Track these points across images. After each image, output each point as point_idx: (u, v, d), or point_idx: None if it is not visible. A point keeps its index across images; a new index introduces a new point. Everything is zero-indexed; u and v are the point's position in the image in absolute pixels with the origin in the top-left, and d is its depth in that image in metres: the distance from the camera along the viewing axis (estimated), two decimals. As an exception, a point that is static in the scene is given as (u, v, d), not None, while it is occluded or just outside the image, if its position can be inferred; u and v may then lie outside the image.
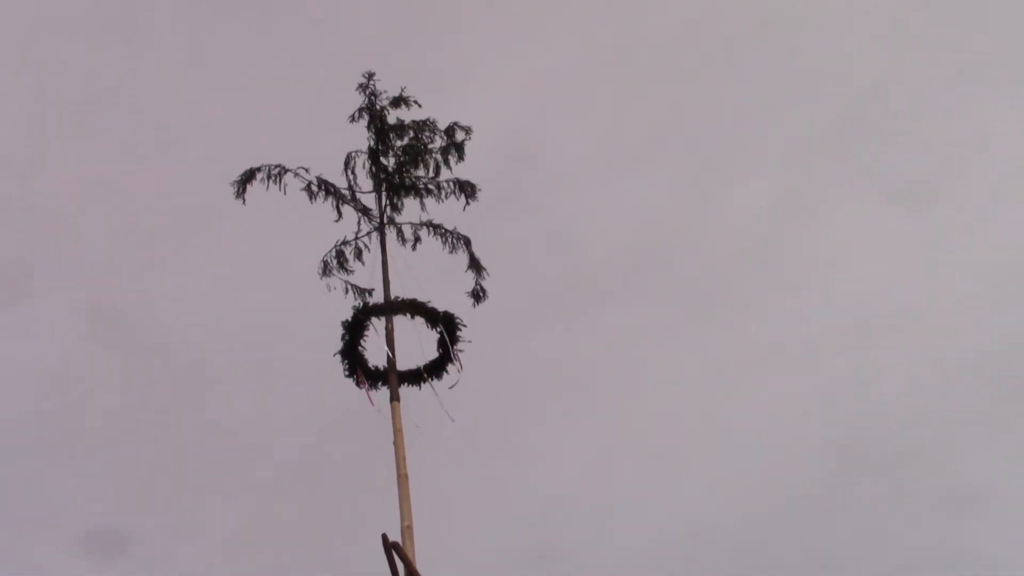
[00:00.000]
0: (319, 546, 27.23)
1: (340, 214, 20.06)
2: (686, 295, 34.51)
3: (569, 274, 31.06)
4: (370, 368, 19.16)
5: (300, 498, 28.80)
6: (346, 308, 19.52)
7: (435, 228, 20.10)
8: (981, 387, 31.87)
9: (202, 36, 39.90)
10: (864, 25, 39.98)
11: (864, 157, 37.49)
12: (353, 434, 21.99)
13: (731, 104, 39.34)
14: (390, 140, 20.45)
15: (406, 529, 16.90)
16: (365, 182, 20.39)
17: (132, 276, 34.25)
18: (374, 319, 19.23)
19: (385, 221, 20.14)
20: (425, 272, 19.76)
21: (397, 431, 18.02)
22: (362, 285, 19.80)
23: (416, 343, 19.22)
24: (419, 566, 16.31)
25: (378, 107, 20.58)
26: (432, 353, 19.31)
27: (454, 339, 19.27)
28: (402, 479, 17.41)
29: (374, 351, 19.25)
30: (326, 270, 19.84)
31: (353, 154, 20.37)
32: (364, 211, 20.19)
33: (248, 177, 19.77)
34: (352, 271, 19.87)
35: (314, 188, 19.91)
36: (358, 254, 19.96)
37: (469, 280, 20.02)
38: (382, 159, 20.46)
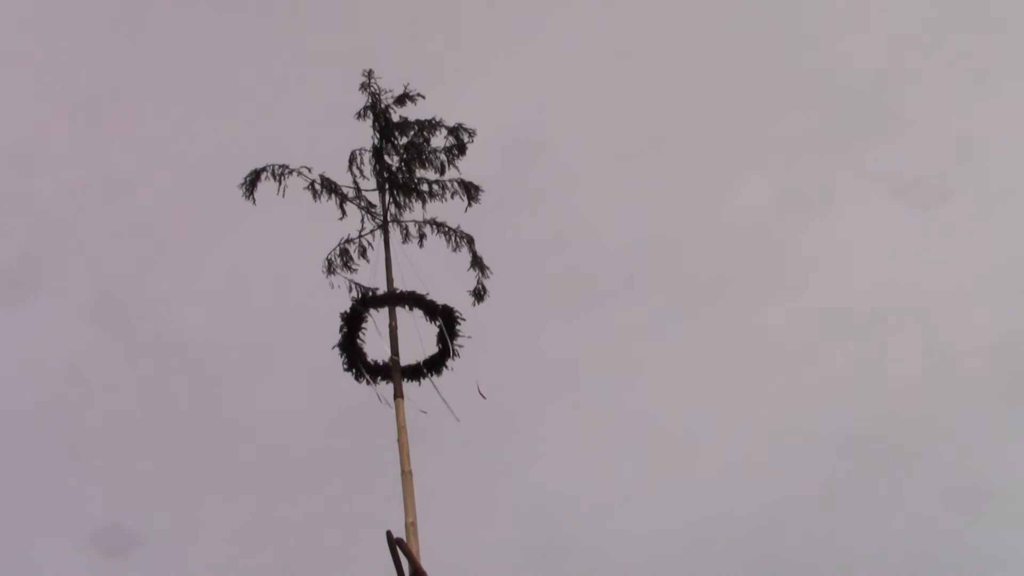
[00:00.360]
0: (323, 543, 27.28)
1: (344, 212, 20.12)
2: (690, 291, 34.56)
3: (573, 271, 31.06)
4: (369, 362, 19.14)
5: (304, 495, 28.87)
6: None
7: (439, 226, 20.13)
8: (988, 382, 31.86)
9: (205, 34, 39.98)
10: (869, 20, 39.96)
11: (868, 153, 37.49)
12: (357, 431, 22.05)
13: (735, 100, 39.37)
14: (394, 138, 20.48)
15: (410, 525, 16.89)
16: (369, 180, 20.42)
17: (138, 274, 34.34)
18: (373, 311, 19.19)
19: (389, 219, 20.16)
20: (429, 270, 19.82)
21: (401, 428, 18.00)
22: (365, 283, 19.77)
23: (416, 338, 19.24)
24: (423, 562, 16.32)
25: (382, 105, 20.61)
26: (432, 348, 19.32)
27: (453, 333, 19.26)
28: (406, 475, 17.41)
29: (373, 344, 19.28)
30: (330, 268, 19.86)
31: (357, 152, 20.40)
32: (368, 209, 20.23)
33: (255, 178, 19.83)
34: (356, 269, 19.91)
35: (317, 187, 19.94)
36: (362, 252, 19.98)
37: (472, 278, 20.06)
38: (386, 157, 20.49)
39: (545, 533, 27.62)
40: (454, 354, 19.25)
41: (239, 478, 30.35)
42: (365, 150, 20.48)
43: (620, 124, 38.24)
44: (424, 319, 19.37)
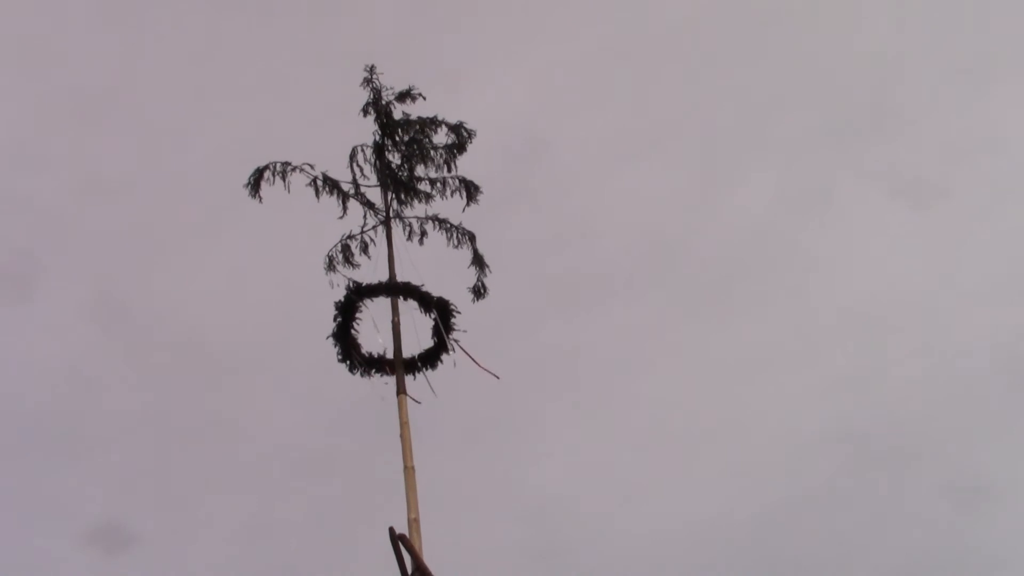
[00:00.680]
0: (325, 538, 27.27)
1: (345, 209, 20.09)
2: (692, 290, 34.59)
3: (575, 269, 31.12)
4: (364, 353, 19.05)
5: (306, 490, 28.85)
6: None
7: (440, 223, 20.10)
8: (988, 382, 31.88)
9: (205, 33, 39.97)
10: (871, 18, 39.97)
11: (869, 152, 37.51)
12: (358, 428, 22.03)
13: (736, 100, 39.37)
14: (396, 135, 20.47)
15: (413, 521, 16.84)
16: (370, 177, 20.40)
17: (138, 273, 34.33)
18: (369, 302, 19.10)
19: (391, 215, 20.15)
20: (429, 267, 19.79)
21: (404, 424, 17.93)
22: (366, 281, 19.63)
23: (412, 332, 19.15)
24: (426, 559, 16.30)
25: (384, 101, 20.60)
26: (427, 341, 19.22)
27: (448, 327, 19.18)
28: (409, 471, 17.35)
29: (368, 336, 19.18)
30: (331, 265, 19.81)
31: (359, 148, 20.39)
32: (369, 205, 20.21)
33: (258, 176, 19.80)
34: (357, 266, 19.83)
35: (319, 183, 19.93)
36: (364, 248, 19.95)
37: (473, 276, 20.02)
38: (387, 154, 20.48)
39: (546, 532, 27.68)
40: (450, 348, 19.18)
41: (239, 477, 30.38)
42: (367, 146, 20.46)
43: (624, 121, 38.30)
44: (420, 312, 19.26)
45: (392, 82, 20.75)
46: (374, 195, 20.32)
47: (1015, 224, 35.20)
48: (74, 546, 28.25)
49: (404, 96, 20.53)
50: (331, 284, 19.52)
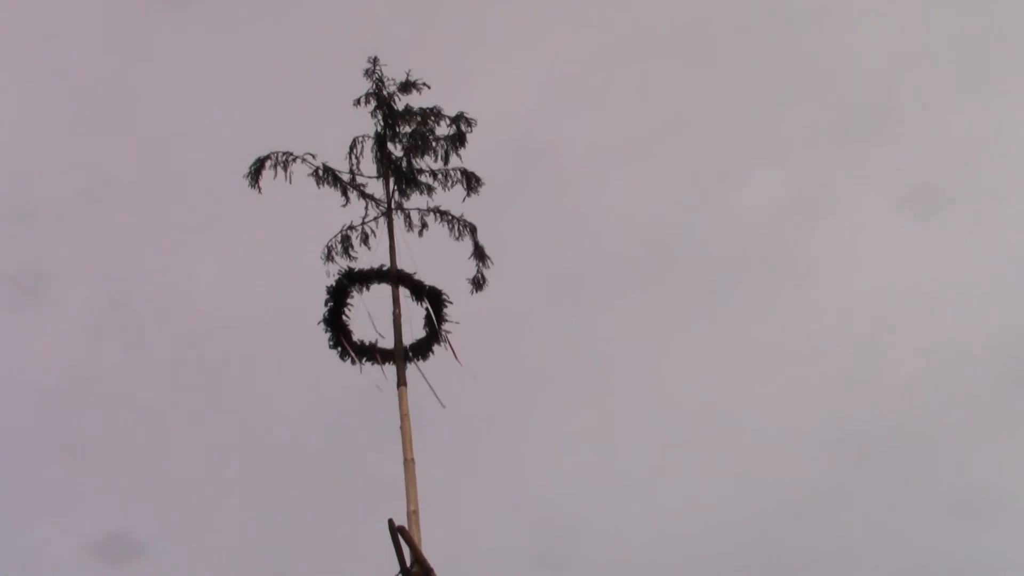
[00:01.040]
0: (325, 530, 27.23)
1: (347, 199, 20.02)
2: (696, 286, 34.59)
3: (580, 264, 31.10)
4: (355, 341, 18.95)
5: (307, 481, 28.82)
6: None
7: (442, 214, 20.03)
8: (988, 382, 31.85)
9: (207, 29, 39.93)
10: (872, 20, 39.95)
11: (873, 153, 37.49)
12: (358, 421, 21.98)
13: (743, 97, 39.38)
14: (398, 126, 20.39)
15: (412, 514, 16.79)
16: (372, 168, 20.31)
17: (141, 276, 34.27)
18: (364, 289, 19.03)
19: (392, 207, 20.06)
20: (429, 259, 19.75)
21: (404, 416, 17.84)
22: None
23: (405, 322, 18.99)
24: (425, 551, 16.25)
25: (386, 92, 20.51)
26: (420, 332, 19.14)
27: (440, 316, 19.09)
28: (409, 464, 17.28)
29: (360, 324, 19.10)
30: (329, 255, 19.73)
31: (360, 139, 20.31)
32: (371, 196, 20.12)
33: (259, 166, 19.71)
34: (356, 257, 19.75)
35: (321, 174, 19.86)
36: (364, 239, 19.87)
37: (474, 268, 19.94)
38: (389, 145, 20.39)
39: (545, 526, 27.61)
40: (442, 339, 19.09)
41: (240, 476, 30.35)
42: (368, 137, 20.39)
43: (629, 118, 38.27)
44: (412, 300, 19.19)
45: (394, 73, 20.69)
46: (375, 187, 20.29)
47: (1017, 225, 35.21)
48: (79, 552, 28.17)
49: (407, 87, 20.45)
50: (328, 274, 19.49)
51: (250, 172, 19.70)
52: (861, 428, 31.13)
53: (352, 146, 20.22)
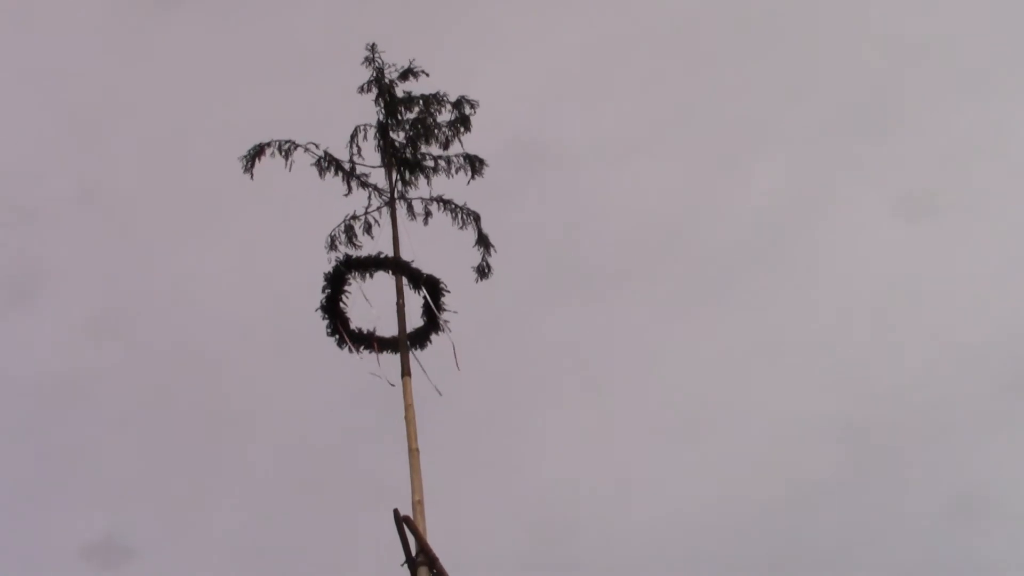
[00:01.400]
0: (327, 525, 27.10)
1: (350, 189, 19.85)
2: (697, 282, 34.50)
3: (582, 257, 31.05)
4: (352, 328, 18.72)
5: (309, 473, 28.69)
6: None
7: (445, 203, 19.86)
8: (988, 381, 31.80)
9: (207, 29, 39.87)
10: (872, 20, 39.99)
11: (875, 149, 37.46)
12: (361, 412, 21.84)
13: (746, 90, 39.36)
14: (400, 114, 20.24)
15: (417, 504, 16.59)
16: (374, 156, 20.17)
17: (143, 276, 34.12)
18: (360, 277, 18.80)
19: (396, 196, 19.88)
20: (432, 248, 19.60)
21: (408, 406, 17.59)
22: (366, 261, 19.48)
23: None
24: (430, 540, 16.12)
25: (387, 80, 20.35)
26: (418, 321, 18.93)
27: (438, 305, 18.85)
28: (413, 453, 17.07)
29: (357, 311, 18.87)
30: (332, 244, 19.51)
31: (362, 127, 20.13)
32: (374, 185, 19.94)
33: (257, 152, 19.53)
34: (360, 246, 19.52)
35: (323, 163, 19.69)
36: (367, 228, 19.69)
37: (478, 256, 19.81)
38: (391, 133, 20.23)
39: (548, 517, 27.45)
40: (440, 327, 18.86)
41: (240, 476, 30.24)
42: (369, 126, 20.22)
43: (632, 111, 38.20)
44: (410, 288, 18.94)
45: (394, 61, 20.59)
46: (378, 175, 20.09)
47: (1018, 222, 35.18)
48: (74, 557, 27.98)
49: (407, 74, 20.33)
50: (330, 263, 19.18)
51: (247, 156, 19.50)
52: (862, 425, 31.05)
53: (354, 135, 20.05)
